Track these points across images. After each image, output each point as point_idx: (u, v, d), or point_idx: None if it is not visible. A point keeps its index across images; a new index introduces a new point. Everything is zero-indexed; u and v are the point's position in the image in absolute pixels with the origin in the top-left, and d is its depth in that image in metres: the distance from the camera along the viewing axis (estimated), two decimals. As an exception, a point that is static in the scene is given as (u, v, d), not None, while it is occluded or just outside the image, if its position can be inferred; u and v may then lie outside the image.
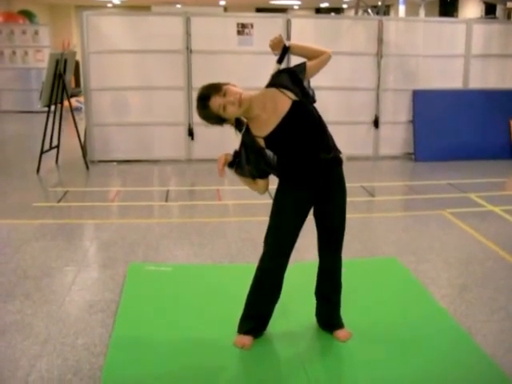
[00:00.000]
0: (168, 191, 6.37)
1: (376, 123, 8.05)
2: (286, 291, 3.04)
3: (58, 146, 7.56)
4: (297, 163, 2.79)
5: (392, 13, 18.73)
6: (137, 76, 7.64)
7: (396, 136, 8.12)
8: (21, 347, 2.98)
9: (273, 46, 2.84)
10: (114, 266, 4.08)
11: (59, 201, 5.89)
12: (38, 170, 7.03)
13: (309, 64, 2.81)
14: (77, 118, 7.82)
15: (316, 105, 2.80)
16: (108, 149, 7.69)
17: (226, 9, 19.67)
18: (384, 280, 3.87)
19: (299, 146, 2.75)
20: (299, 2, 19.70)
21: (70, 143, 8.29)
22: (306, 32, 7.77)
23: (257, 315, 3.03)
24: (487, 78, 8.25)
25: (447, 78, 8.09)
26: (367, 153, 8.09)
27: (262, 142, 2.74)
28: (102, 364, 2.82)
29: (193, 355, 2.93)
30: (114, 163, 7.66)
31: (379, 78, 7.95)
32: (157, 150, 7.80)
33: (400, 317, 3.34)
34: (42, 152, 7.09)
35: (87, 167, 7.31)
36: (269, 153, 2.74)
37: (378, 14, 12.55)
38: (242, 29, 7.69)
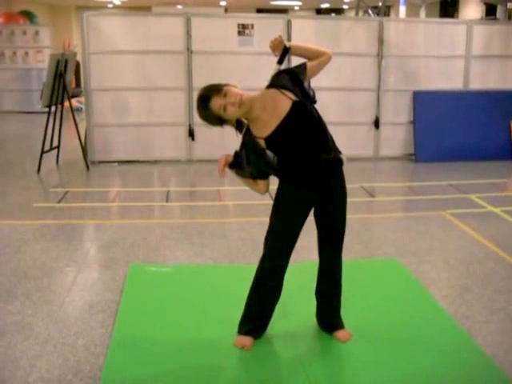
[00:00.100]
0: (168, 192, 6.37)
1: (376, 124, 8.05)
2: (287, 291, 3.03)
3: (58, 147, 7.57)
4: (297, 164, 2.79)
5: (392, 13, 18.74)
6: (137, 76, 7.64)
7: (396, 137, 8.12)
8: (21, 347, 2.98)
9: (273, 47, 2.83)
10: (115, 267, 4.08)
11: (60, 201, 5.90)
12: (38, 171, 7.04)
13: (309, 65, 2.80)
14: (77, 118, 7.84)
15: (316, 105, 2.80)
16: (108, 149, 7.69)
17: (226, 9, 19.72)
18: (384, 281, 3.87)
19: (300, 146, 2.74)
20: (300, 3, 19.70)
21: (70, 144, 8.31)
22: (307, 33, 7.77)
23: (257, 316, 3.03)
24: (488, 78, 8.24)
25: (448, 78, 8.09)
26: (368, 153, 8.09)
27: (262, 143, 2.73)
28: (102, 364, 2.82)
29: (193, 355, 2.93)
30: (115, 164, 7.67)
31: (380, 78, 7.95)
32: (157, 151, 7.81)
33: (400, 317, 3.34)
34: (42, 152, 7.10)
35: (88, 168, 7.31)
36: (269, 153, 2.73)
37: (378, 14, 12.58)
38: (243, 29, 7.69)
